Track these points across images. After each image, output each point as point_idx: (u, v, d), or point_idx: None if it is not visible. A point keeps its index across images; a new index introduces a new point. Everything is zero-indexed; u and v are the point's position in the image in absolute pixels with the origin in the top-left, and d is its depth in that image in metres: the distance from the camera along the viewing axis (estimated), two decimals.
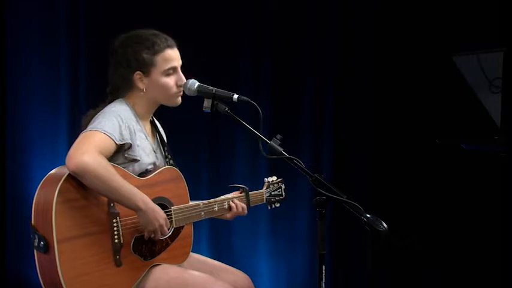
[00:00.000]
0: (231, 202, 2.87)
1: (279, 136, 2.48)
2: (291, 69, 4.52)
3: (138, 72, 2.64)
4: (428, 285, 4.38)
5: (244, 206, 2.91)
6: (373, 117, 4.49)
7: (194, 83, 2.66)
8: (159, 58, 2.64)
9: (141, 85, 2.65)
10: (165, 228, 2.56)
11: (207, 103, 2.61)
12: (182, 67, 2.72)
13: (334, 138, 4.53)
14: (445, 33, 4.32)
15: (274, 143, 2.47)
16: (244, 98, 2.57)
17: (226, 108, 2.60)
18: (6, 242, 4.13)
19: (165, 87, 2.66)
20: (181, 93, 2.70)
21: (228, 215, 2.89)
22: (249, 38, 4.49)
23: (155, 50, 2.64)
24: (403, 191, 4.39)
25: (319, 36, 4.53)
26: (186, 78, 2.69)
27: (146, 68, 2.63)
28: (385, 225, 2.27)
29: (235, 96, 2.57)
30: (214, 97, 2.60)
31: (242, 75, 4.47)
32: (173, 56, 2.68)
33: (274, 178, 3.13)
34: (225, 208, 2.86)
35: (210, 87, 2.62)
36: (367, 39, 4.49)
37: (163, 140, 2.84)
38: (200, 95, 2.64)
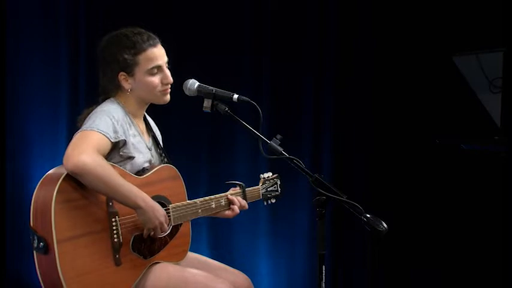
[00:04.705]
0: (229, 196, 2.88)
1: (279, 136, 2.49)
2: (291, 69, 4.52)
3: (122, 73, 2.64)
4: (428, 285, 4.38)
5: (243, 200, 2.92)
6: (373, 117, 4.49)
7: (194, 83, 2.66)
8: (141, 57, 2.64)
9: (126, 85, 2.66)
10: (165, 226, 2.57)
11: (207, 103, 2.61)
12: (169, 64, 2.72)
13: (334, 138, 4.53)
14: (445, 33, 4.32)
15: (274, 143, 2.47)
16: (244, 98, 2.57)
17: (226, 108, 2.60)
18: (6, 242, 4.13)
19: (150, 87, 2.66)
20: (169, 90, 2.70)
21: (228, 212, 2.89)
22: (249, 37, 4.50)
23: (137, 49, 2.63)
24: (403, 191, 4.40)
25: (319, 36, 4.53)
26: (186, 78, 2.69)
27: (129, 68, 2.64)
28: (385, 225, 2.27)
29: (235, 96, 2.58)
30: (214, 97, 2.60)
31: (242, 75, 4.47)
32: (156, 54, 2.67)
33: (270, 174, 3.16)
34: (222, 205, 2.87)
35: (210, 87, 2.62)
36: (367, 39, 4.49)
37: (158, 139, 2.85)
38: (200, 95, 2.64)
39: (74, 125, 4.04)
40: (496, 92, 4.08)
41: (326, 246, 2.37)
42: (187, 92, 2.68)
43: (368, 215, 2.29)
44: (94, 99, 2.74)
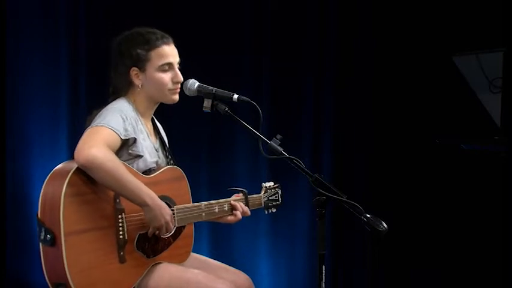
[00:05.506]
0: (232, 202, 2.88)
1: (279, 136, 2.49)
2: (291, 69, 4.52)
3: (134, 68, 2.66)
4: (428, 285, 4.38)
5: (245, 207, 2.93)
6: (373, 117, 4.50)
7: (194, 83, 2.66)
8: (153, 53, 2.66)
9: (137, 81, 2.67)
10: (171, 225, 2.57)
11: (207, 103, 2.62)
12: (180, 65, 2.73)
13: (334, 138, 4.53)
14: (445, 33, 4.32)
15: (274, 143, 2.47)
16: (244, 98, 2.57)
17: (226, 108, 2.60)
18: (7, 242, 4.13)
19: (160, 83, 2.67)
20: (178, 90, 2.71)
21: (230, 217, 2.90)
22: (249, 37, 4.50)
23: (150, 45, 2.66)
24: (403, 191, 4.40)
25: (319, 36, 4.53)
26: (186, 78, 2.69)
27: (141, 63, 2.65)
28: (385, 225, 2.27)
29: (235, 96, 2.58)
30: (214, 97, 2.61)
31: (242, 75, 4.47)
32: (168, 52, 2.69)
33: (272, 183, 3.14)
34: (224, 210, 2.87)
35: (210, 87, 2.62)
36: (367, 39, 4.49)
37: (164, 141, 2.85)
38: (200, 95, 2.65)
39: (74, 125, 4.09)
40: (496, 92, 4.08)
41: (326, 246, 2.37)
42: (187, 92, 2.68)
43: (368, 215, 2.29)
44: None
